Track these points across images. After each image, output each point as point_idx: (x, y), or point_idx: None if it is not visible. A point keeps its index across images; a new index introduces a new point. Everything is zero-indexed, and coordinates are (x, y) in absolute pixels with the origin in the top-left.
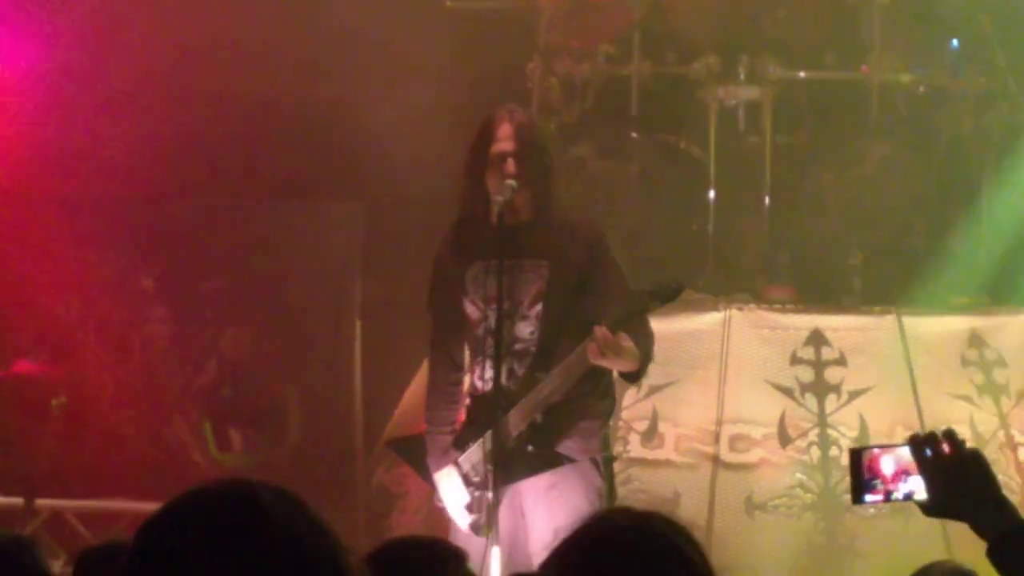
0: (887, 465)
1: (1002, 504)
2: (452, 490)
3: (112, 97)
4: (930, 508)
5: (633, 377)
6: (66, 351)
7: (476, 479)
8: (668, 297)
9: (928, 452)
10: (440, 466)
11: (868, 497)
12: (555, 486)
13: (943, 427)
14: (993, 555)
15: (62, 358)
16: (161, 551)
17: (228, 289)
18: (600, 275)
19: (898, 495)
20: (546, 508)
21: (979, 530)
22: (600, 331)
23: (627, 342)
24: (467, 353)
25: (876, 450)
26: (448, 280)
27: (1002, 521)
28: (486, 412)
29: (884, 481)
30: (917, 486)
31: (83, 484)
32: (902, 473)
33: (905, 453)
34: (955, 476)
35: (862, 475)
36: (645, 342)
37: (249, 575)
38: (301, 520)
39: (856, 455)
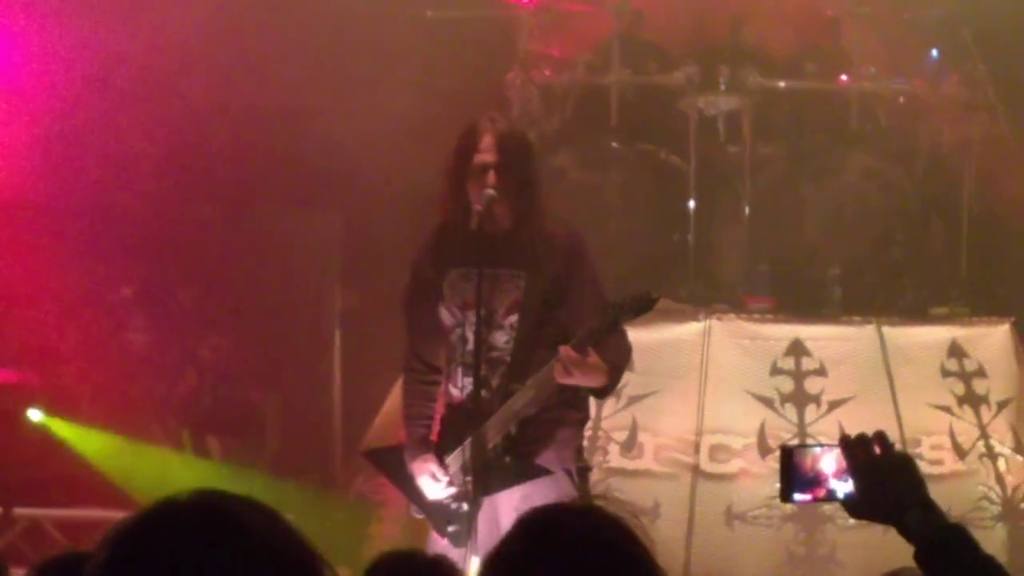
0: (812, 460)
1: (929, 507)
2: (429, 479)
3: (92, 109)
4: (857, 509)
5: (601, 393)
6: (45, 360)
7: (454, 490)
8: (641, 309)
9: (858, 453)
10: (416, 456)
11: (797, 496)
12: (529, 497)
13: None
14: (920, 559)
15: (39, 366)
16: (131, 562)
17: (207, 298)
18: (576, 286)
19: (825, 489)
20: None
21: (906, 533)
22: (565, 351)
23: (593, 358)
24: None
25: (817, 449)
26: (425, 285)
27: (929, 525)
28: (462, 422)
29: (823, 478)
30: (847, 487)
31: (61, 493)
32: (827, 466)
33: (834, 452)
34: (883, 478)
35: (792, 473)
36: (618, 356)
37: None
38: (272, 530)
39: (787, 453)
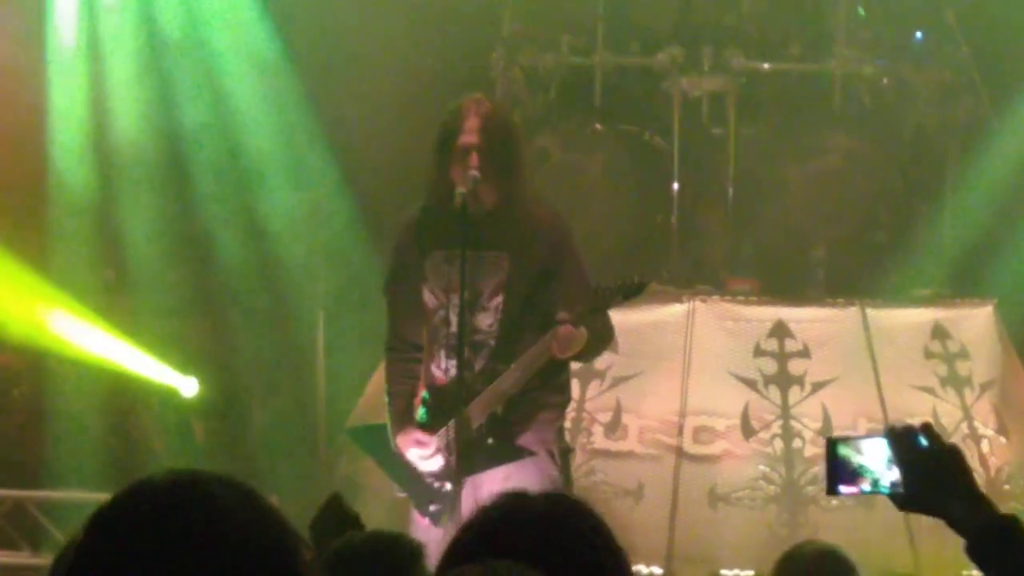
0: (859, 452)
1: (979, 499)
2: (415, 448)
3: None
4: (906, 502)
5: (578, 358)
6: (25, 342)
7: (441, 460)
8: (631, 293)
9: (904, 445)
10: (399, 430)
11: (843, 488)
12: (511, 477)
13: (919, 419)
14: (972, 551)
15: (21, 349)
16: (110, 544)
17: (190, 280)
18: (561, 268)
19: (872, 487)
20: None
21: (956, 525)
22: (565, 328)
23: (584, 332)
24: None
25: (862, 441)
26: (408, 267)
27: (979, 516)
28: (446, 404)
29: (862, 472)
30: (893, 478)
31: (45, 475)
32: (873, 459)
33: (880, 443)
34: (932, 470)
35: (838, 465)
36: (603, 335)
37: (198, 566)
38: (251, 510)
39: (832, 444)
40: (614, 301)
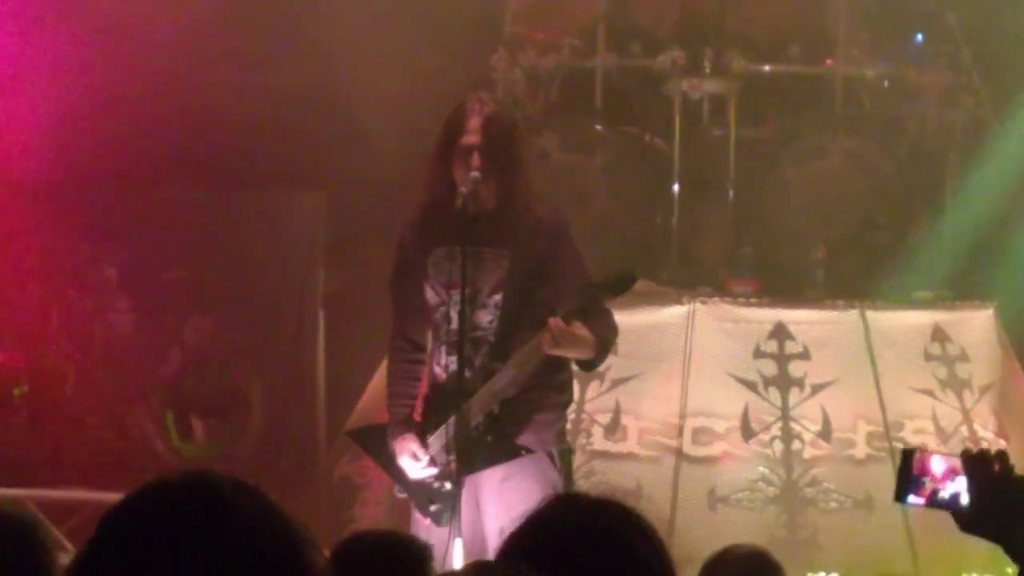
0: (934, 466)
1: None
2: (409, 459)
3: (75, 85)
4: (968, 523)
5: (588, 365)
6: (28, 340)
7: (435, 470)
8: (621, 288)
9: (978, 468)
10: (397, 435)
11: (911, 498)
12: (510, 478)
13: (996, 446)
14: None
15: (24, 347)
16: (121, 543)
17: (191, 279)
18: (559, 266)
19: (942, 495)
20: (500, 500)
21: (1013, 554)
22: (554, 322)
23: (582, 331)
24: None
25: (937, 456)
26: (411, 264)
27: None
28: (446, 401)
29: (933, 480)
30: (957, 492)
31: (45, 473)
32: (946, 475)
33: (954, 461)
34: (1003, 498)
35: (909, 475)
36: (605, 334)
37: (211, 567)
38: (263, 512)
39: (907, 454)
40: (603, 296)
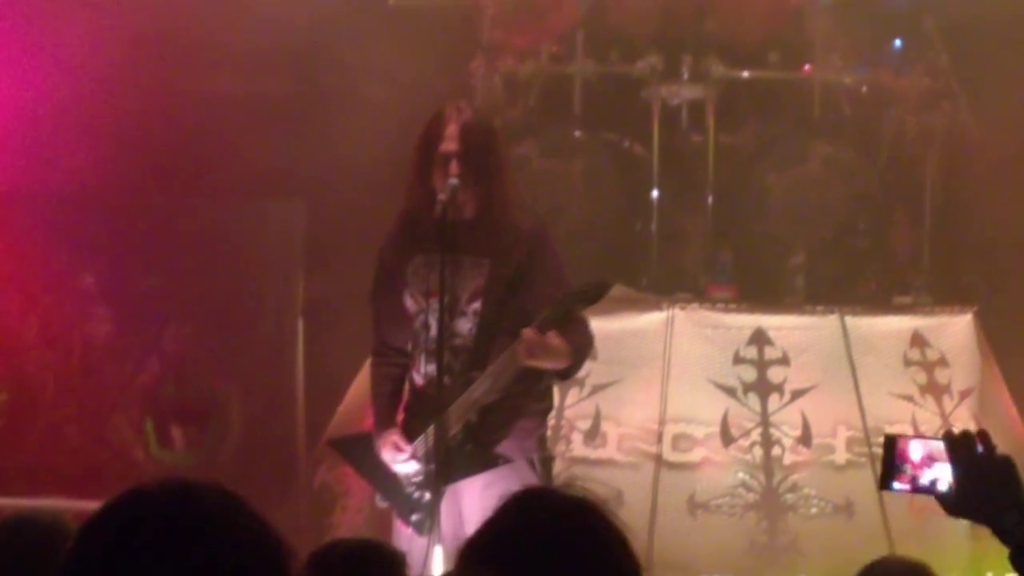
0: (915, 451)
1: None
2: (391, 450)
3: (54, 93)
4: (954, 506)
5: (564, 374)
6: (7, 348)
7: (417, 479)
8: (594, 297)
9: (960, 450)
10: (381, 431)
11: (896, 484)
12: (491, 485)
13: (967, 428)
14: (1015, 561)
15: (2, 355)
16: (100, 552)
17: (170, 286)
18: (538, 274)
19: (923, 482)
20: (481, 508)
21: (1001, 535)
22: (528, 332)
23: (556, 340)
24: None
25: (919, 441)
26: (390, 272)
27: None
28: (425, 409)
29: (912, 466)
30: (941, 476)
31: (23, 482)
32: (928, 460)
33: (937, 445)
34: (986, 478)
35: (893, 460)
36: (581, 343)
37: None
38: (242, 520)
39: (891, 441)
40: (577, 305)
